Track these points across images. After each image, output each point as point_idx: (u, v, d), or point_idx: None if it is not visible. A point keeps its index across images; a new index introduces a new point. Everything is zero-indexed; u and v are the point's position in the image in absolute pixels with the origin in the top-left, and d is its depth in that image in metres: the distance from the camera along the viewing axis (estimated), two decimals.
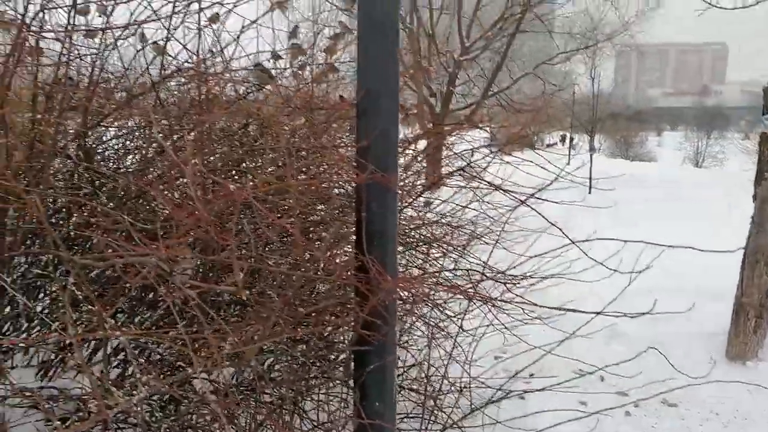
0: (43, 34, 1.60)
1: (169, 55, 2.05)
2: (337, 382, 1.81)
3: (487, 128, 2.23)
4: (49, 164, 1.66)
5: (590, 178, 10.05)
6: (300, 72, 2.48)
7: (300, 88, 2.33)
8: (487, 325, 2.19)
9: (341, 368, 1.74)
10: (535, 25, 12.21)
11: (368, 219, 1.38)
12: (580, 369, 3.14)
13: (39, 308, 2.03)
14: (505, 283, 1.89)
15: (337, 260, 1.76)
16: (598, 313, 1.94)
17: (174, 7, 1.95)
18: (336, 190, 2.15)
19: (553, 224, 1.95)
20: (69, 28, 1.62)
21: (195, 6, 2.04)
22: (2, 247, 1.77)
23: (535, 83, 13.50)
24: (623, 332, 4.04)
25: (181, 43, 1.81)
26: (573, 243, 1.80)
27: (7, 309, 1.93)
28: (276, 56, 2.21)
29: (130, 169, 2.23)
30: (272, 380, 1.72)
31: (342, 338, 1.94)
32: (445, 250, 2.40)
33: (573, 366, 3.08)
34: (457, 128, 2.60)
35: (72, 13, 1.61)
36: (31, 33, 1.58)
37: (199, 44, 2.03)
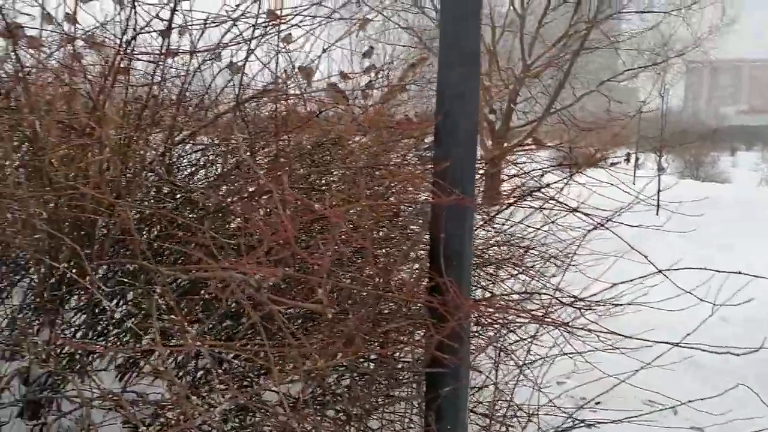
0: (137, 56, 1.70)
1: (246, 75, 2.13)
2: (406, 401, 1.80)
3: (556, 147, 2.18)
4: (139, 178, 1.76)
5: (658, 199, 9.65)
6: (368, 91, 2.53)
7: (367, 108, 2.37)
8: (559, 354, 2.12)
9: (410, 388, 1.74)
10: (601, 41, 11.93)
11: (446, 240, 1.38)
12: (650, 400, 2.99)
13: (117, 315, 2.14)
14: (579, 309, 1.83)
15: (407, 279, 1.77)
16: (676, 345, 1.85)
17: (254, 30, 2.03)
18: (401, 207, 2.16)
19: (634, 249, 1.87)
20: (161, 50, 1.71)
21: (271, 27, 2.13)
22: (91, 255, 1.88)
23: (599, 101, 13.15)
24: (701, 363, 3.82)
25: (263, 64, 1.88)
26: (660, 272, 1.72)
27: (83, 315, 2.04)
28: (368, 53, 2.27)
29: (201, 184, 2.33)
30: (340, 396, 1.73)
31: (409, 357, 1.93)
32: (512, 272, 2.36)
33: (643, 396, 2.94)
34: (522, 147, 2.56)
35: (165, 39, 1.70)
36: (126, 55, 1.68)
37: (277, 65, 2.10)
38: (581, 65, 12.67)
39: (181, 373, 1.91)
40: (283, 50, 2.12)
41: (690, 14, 12.10)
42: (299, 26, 2.09)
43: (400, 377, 1.85)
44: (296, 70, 2.14)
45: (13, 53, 1.57)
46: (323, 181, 2.12)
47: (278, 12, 2.07)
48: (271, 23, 2.05)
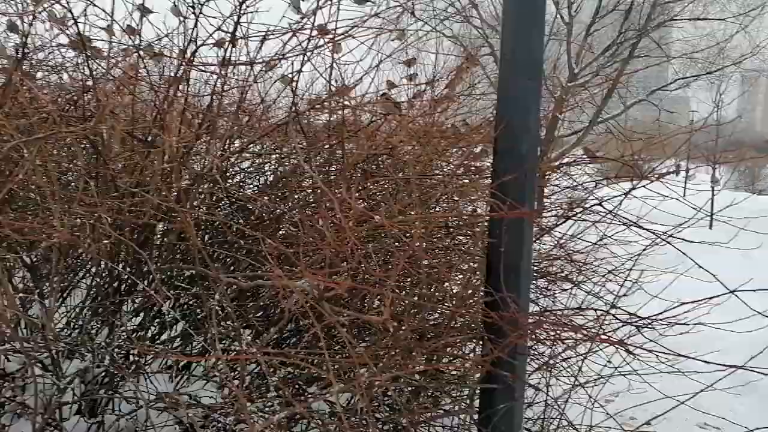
0: (200, 67, 1.75)
1: (298, 87, 2.16)
2: (457, 415, 1.78)
3: (618, 160, 2.12)
4: (197, 186, 1.81)
5: (711, 213, 9.25)
6: (416, 101, 2.53)
7: (414, 118, 2.37)
8: (613, 373, 2.06)
9: (458, 401, 1.71)
10: (651, 49, 11.60)
11: (504, 253, 1.36)
12: (706, 423, 2.88)
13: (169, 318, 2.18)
14: (637, 326, 1.77)
15: (461, 291, 1.75)
16: (740, 368, 1.76)
17: (308, 42, 2.06)
18: (454, 218, 2.14)
19: (703, 268, 1.80)
20: (222, 61, 1.76)
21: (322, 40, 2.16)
22: (150, 259, 1.93)
23: (647, 110, 12.79)
24: (759, 387, 3.64)
25: (320, 73, 1.90)
26: (731, 293, 1.65)
27: (139, 317, 2.10)
28: (411, 62, 2.28)
29: (251, 190, 2.37)
30: (389, 406, 1.72)
31: (456, 371, 1.91)
32: (564, 287, 2.31)
33: (697, 419, 2.83)
34: (576, 158, 2.51)
35: (227, 50, 1.75)
36: (190, 66, 1.74)
37: (331, 76, 2.12)
38: (630, 73, 12.34)
39: (231, 378, 1.94)
40: (337, 62, 2.15)
41: (748, 21, 11.62)
42: (354, 37, 2.11)
43: (447, 390, 1.83)
44: (334, 88, 2.17)
45: (85, 64, 1.64)
46: (373, 191, 2.12)
47: (328, 26, 2.10)
48: (322, 37, 2.09)
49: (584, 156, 2.52)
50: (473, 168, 2.24)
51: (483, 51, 11.30)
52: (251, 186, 2.45)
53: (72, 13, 1.52)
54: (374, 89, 2.33)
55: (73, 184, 1.84)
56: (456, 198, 2.23)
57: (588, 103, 11.94)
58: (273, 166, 2.43)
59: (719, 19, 11.37)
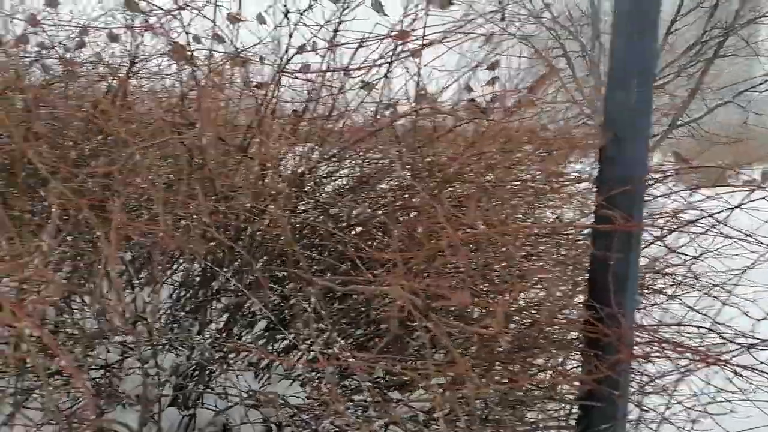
0: (296, 74, 1.80)
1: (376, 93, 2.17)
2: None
3: (723, 167, 2.00)
4: (290, 189, 1.86)
5: None
6: (492, 105, 2.49)
7: (497, 122, 2.32)
8: (715, 395, 1.94)
9: (557, 418, 1.67)
10: (739, 48, 10.92)
11: (610, 266, 1.31)
12: None
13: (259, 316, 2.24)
14: (747, 347, 1.66)
15: (556, 301, 1.71)
16: None
17: (396, 47, 2.07)
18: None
19: None
20: (321, 68, 1.80)
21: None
22: (242, 261, 1.99)
23: (731, 112, 12.05)
24: None
25: (411, 76, 1.91)
26: None
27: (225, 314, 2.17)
28: (494, 66, 2.25)
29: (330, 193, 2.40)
30: (477, 416, 1.69)
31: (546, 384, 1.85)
32: (654, 300, 2.20)
33: None
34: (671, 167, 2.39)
35: (324, 57, 1.79)
36: (284, 74, 1.79)
37: (418, 83, 2.12)
38: (715, 73, 11.66)
39: (320, 379, 1.97)
40: (423, 68, 2.14)
41: None
42: (442, 42, 2.10)
43: (539, 404, 1.78)
44: (421, 94, 2.15)
45: (190, 72, 1.72)
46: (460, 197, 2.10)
47: (409, 32, 2.10)
48: (402, 42, 2.09)
49: (678, 163, 2.40)
50: (556, 174, 2.17)
51: (555, 53, 11.03)
52: (331, 190, 2.49)
53: (183, 23, 1.60)
54: (456, 94, 2.31)
55: (173, 186, 1.93)
56: (540, 205, 2.17)
57: (668, 105, 11.37)
58: (353, 170, 2.46)
59: None
